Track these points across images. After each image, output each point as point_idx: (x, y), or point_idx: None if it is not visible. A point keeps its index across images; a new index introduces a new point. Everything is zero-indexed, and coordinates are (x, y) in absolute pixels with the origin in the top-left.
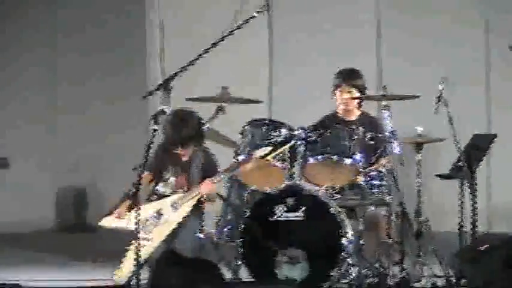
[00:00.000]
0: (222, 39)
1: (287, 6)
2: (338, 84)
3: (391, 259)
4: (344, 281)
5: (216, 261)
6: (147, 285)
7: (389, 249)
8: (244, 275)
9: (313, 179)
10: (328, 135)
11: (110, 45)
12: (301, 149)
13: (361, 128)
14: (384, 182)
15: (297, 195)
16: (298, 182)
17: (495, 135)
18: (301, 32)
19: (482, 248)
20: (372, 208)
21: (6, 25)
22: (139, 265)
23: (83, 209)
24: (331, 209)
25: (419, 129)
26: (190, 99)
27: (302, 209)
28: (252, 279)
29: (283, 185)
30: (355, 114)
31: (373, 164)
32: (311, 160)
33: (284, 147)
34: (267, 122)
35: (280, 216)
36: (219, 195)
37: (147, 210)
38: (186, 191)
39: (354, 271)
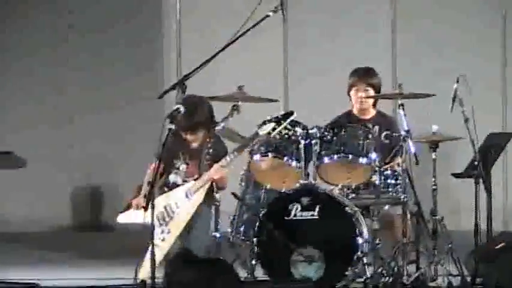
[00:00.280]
0: (237, 38)
1: (302, 5)
2: (353, 83)
3: (406, 258)
4: (359, 280)
5: (231, 260)
6: (163, 285)
7: (404, 249)
8: (260, 274)
9: (328, 178)
10: (344, 134)
11: (126, 44)
12: (316, 148)
13: (376, 127)
14: (399, 181)
15: (312, 194)
16: (313, 181)
17: (511, 134)
18: (316, 30)
19: (498, 247)
20: (387, 207)
21: (21, 25)
22: (153, 259)
23: (98, 208)
24: (346, 208)
25: (435, 128)
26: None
27: (317, 208)
28: (268, 279)
29: (298, 184)
30: (371, 113)
31: (389, 163)
32: (326, 159)
33: (287, 122)
34: None
35: (295, 216)
36: (234, 195)
37: (161, 202)
38: (197, 179)
39: (369, 270)
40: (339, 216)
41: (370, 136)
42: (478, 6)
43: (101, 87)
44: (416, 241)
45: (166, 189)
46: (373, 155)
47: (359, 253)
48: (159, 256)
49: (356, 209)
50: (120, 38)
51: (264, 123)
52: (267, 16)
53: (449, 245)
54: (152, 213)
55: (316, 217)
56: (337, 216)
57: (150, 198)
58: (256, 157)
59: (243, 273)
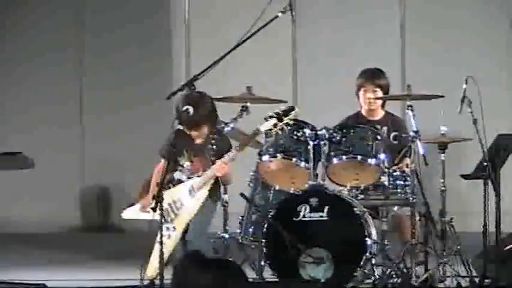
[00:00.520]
0: (246, 39)
1: (311, 6)
2: (361, 84)
3: (415, 259)
4: (368, 281)
5: (240, 261)
6: (170, 286)
7: (413, 250)
8: (268, 275)
9: (337, 179)
10: (352, 135)
11: (135, 45)
12: (325, 149)
13: (385, 128)
14: (407, 182)
15: (321, 195)
16: (322, 182)
17: None
18: (325, 31)
19: (508, 248)
20: (395, 208)
21: (33, 26)
22: (162, 260)
23: (107, 209)
24: (355, 209)
25: (444, 129)
26: (214, 99)
27: (326, 209)
28: (276, 280)
29: (307, 185)
30: (379, 114)
31: (397, 164)
32: (335, 160)
33: (288, 118)
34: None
35: (304, 217)
36: (243, 196)
37: (165, 199)
38: (200, 176)
39: (378, 271)
40: (348, 217)
41: (379, 137)
42: (487, 8)
43: (110, 88)
44: (424, 242)
45: (171, 186)
46: (382, 156)
47: (368, 254)
48: (165, 253)
49: (365, 210)
50: (129, 39)
51: (265, 119)
52: (276, 17)
53: (458, 246)
54: (161, 215)
55: (325, 218)
56: (345, 217)
57: (158, 201)
58: (265, 158)
59: (251, 274)
